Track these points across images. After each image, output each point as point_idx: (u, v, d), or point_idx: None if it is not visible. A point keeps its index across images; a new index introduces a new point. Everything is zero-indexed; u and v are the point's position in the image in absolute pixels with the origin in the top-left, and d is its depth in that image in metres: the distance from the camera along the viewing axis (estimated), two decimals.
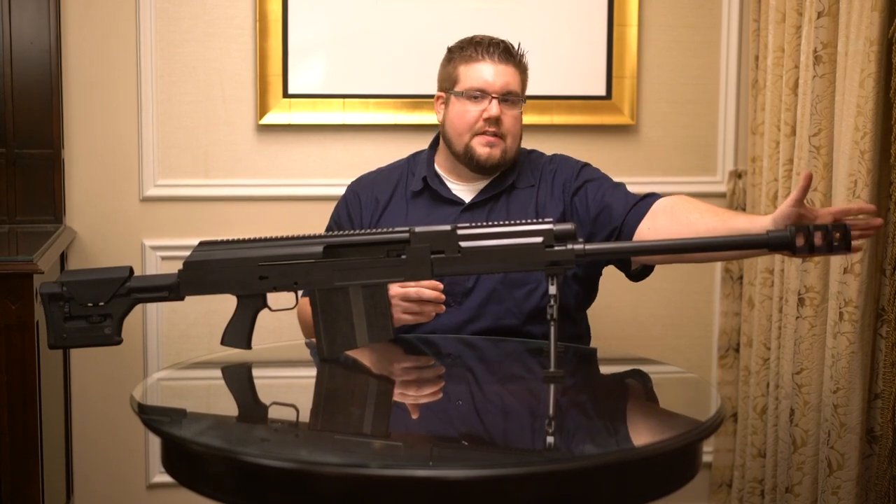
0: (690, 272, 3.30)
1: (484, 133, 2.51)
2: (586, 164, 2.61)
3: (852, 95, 2.62)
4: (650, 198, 2.47)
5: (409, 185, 2.60)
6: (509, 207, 2.54)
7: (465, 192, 2.57)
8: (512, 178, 2.57)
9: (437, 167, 2.61)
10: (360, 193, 2.63)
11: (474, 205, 2.55)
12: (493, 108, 2.50)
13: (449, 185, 2.58)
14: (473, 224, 2.08)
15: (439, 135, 2.62)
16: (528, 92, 3.11)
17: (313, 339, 2.19)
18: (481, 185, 2.57)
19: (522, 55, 2.57)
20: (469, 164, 2.54)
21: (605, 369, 2.32)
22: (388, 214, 2.57)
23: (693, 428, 1.78)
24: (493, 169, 2.54)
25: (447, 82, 2.57)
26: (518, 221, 2.06)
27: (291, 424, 1.93)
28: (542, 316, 2.45)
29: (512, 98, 2.53)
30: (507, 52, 2.54)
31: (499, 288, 2.47)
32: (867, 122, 2.59)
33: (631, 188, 3.23)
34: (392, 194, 2.60)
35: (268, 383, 2.23)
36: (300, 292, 2.18)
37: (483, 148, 2.52)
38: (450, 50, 2.60)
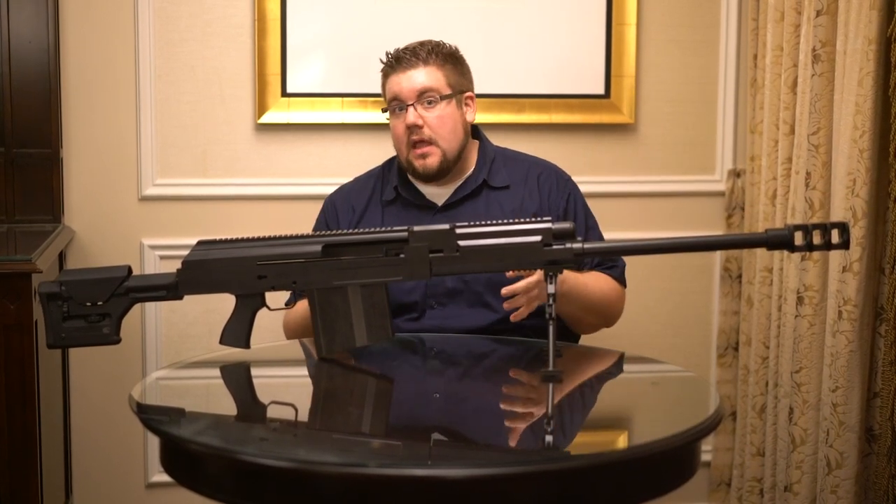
0: (690, 271, 3.30)
1: (414, 144, 2.50)
2: (571, 180, 2.63)
3: (851, 94, 2.62)
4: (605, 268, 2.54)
5: (384, 193, 2.60)
6: (489, 209, 2.54)
7: (436, 195, 2.56)
8: (482, 175, 2.56)
9: (407, 174, 2.61)
10: (337, 204, 2.64)
11: (448, 206, 2.55)
12: (410, 115, 2.49)
13: (421, 189, 2.58)
14: (472, 223, 2.08)
15: None
16: (527, 91, 3.14)
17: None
18: (453, 186, 2.56)
19: (441, 50, 2.53)
20: (416, 176, 2.54)
21: (603, 368, 2.32)
22: (364, 222, 2.57)
23: (692, 427, 1.78)
24: (438, 175, 2.53)
25: (384, 100, 2.59)
26: (517, 220, 2.06)
27: (290, 424, 1.93)
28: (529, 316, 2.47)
29: (429, 98, 2.50)
30: (411, 56, 2.51)
31: (481, 290, 2.47)
32: (866, 121, 2.58)
33: (630, 187, 3.25)
34: (368, 202, 2.60)
35: (266, 382, 2.23)
36: (289, 302, 2.19)
37: (418, 160, 2.51)
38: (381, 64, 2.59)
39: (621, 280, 2.55)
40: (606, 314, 2.54)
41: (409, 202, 2.57)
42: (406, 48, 2.54)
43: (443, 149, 2.51)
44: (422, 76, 2.50)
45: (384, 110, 2.56)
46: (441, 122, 2.50)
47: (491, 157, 2.59)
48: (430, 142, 2.50)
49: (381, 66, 2.57)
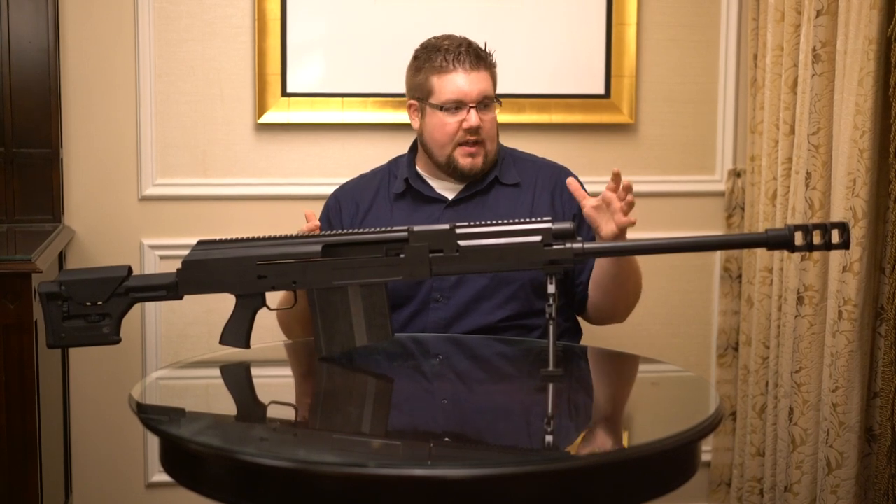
0: (689, 271, 3.30)
1: (465, 143, 2.51)
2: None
3: (851, 94, 2.62)
4: None
5: (392, 187, 2.61)
6: (498, 205, 2.55)
7: (447, 190, 2.58)
8: (494, 172, 2.58)
9: (418, 168, 2.61)
10: (341, 200, 2.64)
11: (457, 202, 2.56)
12: (473, 118, 2.50)
13: (431, 183, 2.59)
14: (472, 223, 2.08)
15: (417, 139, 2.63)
16: (527, 91, 3.15)
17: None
18: (463, 183, 2.58)
19: (490, 55, 2.56)
20: (452, 173, 2.55)
21: (602, 368, 2.32)
22: (370, 218, 2.57)
23: (692, 427, 1.78)
24: (475, 176, 2.55)
25: (419, 92, 2.56)
26: (517, 220, 2.06)
27: (290, 424, 1.93)
28: (530, 314, 2.47)
29: (487, 103, 2.52)
30: (476, 58, 2.52)
31: (486, 284, 2.47)
32: (866, 121, 2.58)
33: None
34: (374, 198, 2.61)
35: (266, 382, 2.23)
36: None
37: (465, 159, 2.52)
38: (416, 57, 2.58)
39: None
40: (638, 292, 2.56)
41: (419, 196, 2.58)
42: (462, 46, 2.53)
43: (488, 150, 2.54)
44: (485, 80, 2.53)
45: (442, 107, 2.51)
46: (492, 126, 2.55)
47: (502, 155, 2.61)
48: (481, 143, 2.52)
49: (425, 56, 2.54)
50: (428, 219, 2.46)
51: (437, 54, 2.53)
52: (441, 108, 2.51)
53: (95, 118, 3.05)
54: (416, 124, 2.59)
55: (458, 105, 2.51)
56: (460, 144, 2.51)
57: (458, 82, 2.51)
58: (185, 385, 2.22)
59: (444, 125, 2.52)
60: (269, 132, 3.11)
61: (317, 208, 2.70)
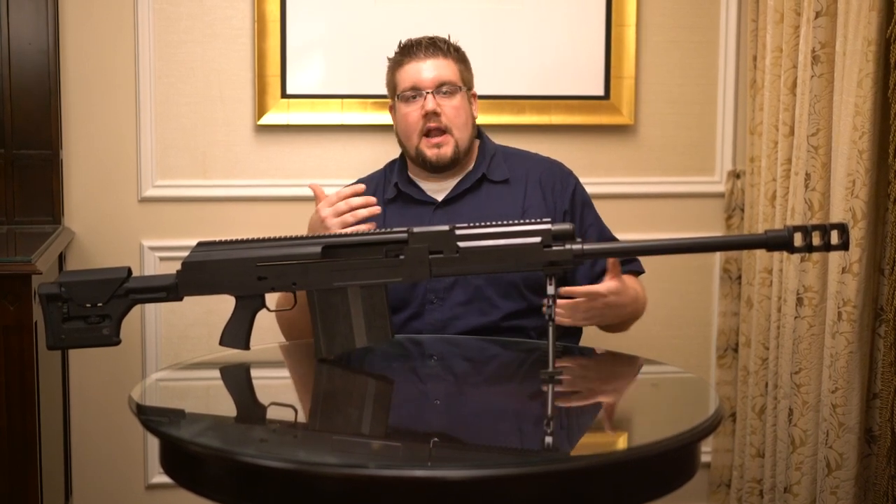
0: (689, 272, 3.30)
1: (428, 132, 2.53)
2: (573, 174, 2.65)
3: (850, 95, 2.62)
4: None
5: (386, 192, 2.62)
6: (489, 203, 2.55)
7: (437, 191, 2.59)
8: (481, 170, 2.58)
9: (409, 172, 2.63)
10: None
11: (447, 202, 2.57)
12: (429, 102, 2.53)
13: (422, 186, 2.60)
14: (471, 224, 2.08)
15: None
16: (527, 92, 3.14)
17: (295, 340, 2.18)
18: (452, 182, 2.59)
19: (453, 45, 2.60)
20: (424, 166, 2.57)
21: (602, 369, 2.32)
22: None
23: (691, 428, 1.78)
24: (448, 166, 2.56)
25: (390, 91, 2.63)
26: (516, 221, 2.06)
27: (290, 425, 1.93)
28: (525, 315, 2.47)
29: (447, 88, 2.55)
30: (431, 46, 2.57)
31: (482, 284, 2.48)
32: (865, 122, 2.59)
33: (630, 188, 3.25)
34: None
35: (266, 384, 2.23)
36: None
37: (431, 150, 2.54)
38: (388, 59, 2.64)
39: (639, 270, 2.61)
40: (640, 312, 2.60)
41: (409, 199, 2.59)
42: (421, 39, 2.59)
43: (456, 138, 2.55)
44: (442, 67, 2.56)
45: (399, 97, 2.56)
46: (457, 113, 2.55)
47: (491, 153, 2.63)
48: (445, 130, 2.54)
49: (392, 57, 2.62)
50: (419, 220, 2.47)
51: (399, 52, 2.61)
52: (400, 98, 2.56)
53: (95, 119, 3.06)
54: (394, 126, 2.63)
55: (414, 92, 2.54)
56: (425, 136, 2.54)
57: (411, 71, 2.56)
58: (185, 386, 2.22)
59: (406, 116, 2.56)
60: (269, 134, 3.12)
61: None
